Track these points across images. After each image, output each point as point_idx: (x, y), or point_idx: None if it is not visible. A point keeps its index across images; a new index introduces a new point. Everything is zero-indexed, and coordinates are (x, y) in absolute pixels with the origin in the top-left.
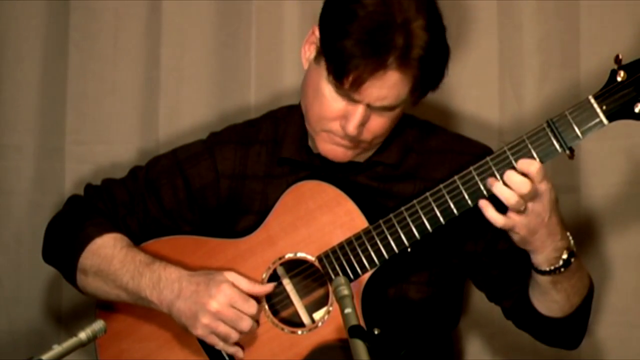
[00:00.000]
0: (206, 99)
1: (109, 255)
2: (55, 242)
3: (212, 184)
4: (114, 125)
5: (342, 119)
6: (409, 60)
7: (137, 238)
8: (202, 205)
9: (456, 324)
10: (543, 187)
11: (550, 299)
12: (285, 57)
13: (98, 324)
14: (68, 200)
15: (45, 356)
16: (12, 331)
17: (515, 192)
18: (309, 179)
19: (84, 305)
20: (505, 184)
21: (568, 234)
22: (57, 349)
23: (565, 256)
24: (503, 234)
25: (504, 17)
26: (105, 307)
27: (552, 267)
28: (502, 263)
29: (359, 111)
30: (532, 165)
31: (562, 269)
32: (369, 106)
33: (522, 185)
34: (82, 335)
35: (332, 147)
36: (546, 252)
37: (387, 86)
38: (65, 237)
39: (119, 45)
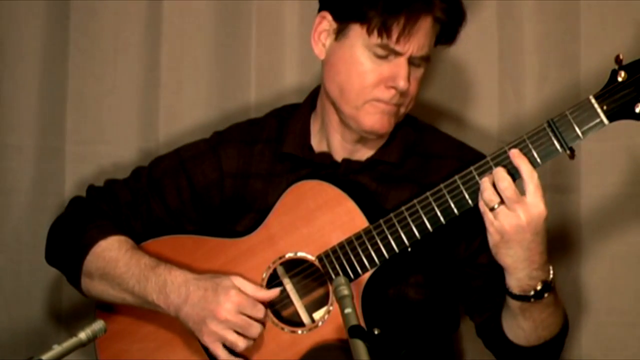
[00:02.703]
0: (206, 99)
1: (113, 258)
2: (59, 245)
3: (216, 183)
4: (114, 125)
5: (388, 80)
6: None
7: (142, 239)
8: (206, 204)
9: (457, 327)
10: (535, 201)
11: (517, 324)
12: (285, 57)
13: (98, 324)
14: (70, 202)
15: (45, 356)
16: (13, 331)
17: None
18: (309, 179)
19: (84, 305)
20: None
21: (550, 268)
22: (57, 349)
23: (539, 287)
24: (487, 248)
25: (504, 17)
26: (105, 308)
27: (523, 294)
28: (481, 277)
29: (404, 63)
30: (532, 176)
31: (532, 300)
32: (409, 60)
33: (504, 183)
34: (82, 335)
35: (379, 117)
36: (519, 275)
37: (424, 33)
38: (69, 240)
39: (119, 45)
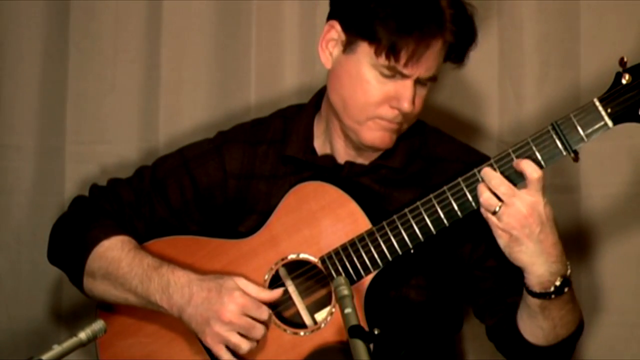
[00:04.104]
0: (206, 99)
1: (116, 258)
2: (62, 244)
3: (220, 184)
4: (114, 125)
5: (393, 100)
6: (445, 23)
7: (144, 239)
8: (209, 204)
9: (459, 328)
10: (536, 197)
11: (536, 324)
12: (285, 57)
13: (98, 324)
14: (73, 201)
15: (45, 356)
16: (13, 331)
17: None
18: (311, 180)
19: (84, 305)
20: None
21: (568, 262)
22: (57, 349)
23: (558, 283)
24: (496, 250)
25: (504, 17)
26: (106, 307)
27: (543, 291)
28: (490, 279)
29: (410, 86)
30: (534, 171)
31: (553, 296)
32: (416, 81)
33: (495, 180)
34: (82, 335)
35: (381, 134)
36: (539, 272)
37: (433, 56)
38: (71, 239)
39: (119, 45)
